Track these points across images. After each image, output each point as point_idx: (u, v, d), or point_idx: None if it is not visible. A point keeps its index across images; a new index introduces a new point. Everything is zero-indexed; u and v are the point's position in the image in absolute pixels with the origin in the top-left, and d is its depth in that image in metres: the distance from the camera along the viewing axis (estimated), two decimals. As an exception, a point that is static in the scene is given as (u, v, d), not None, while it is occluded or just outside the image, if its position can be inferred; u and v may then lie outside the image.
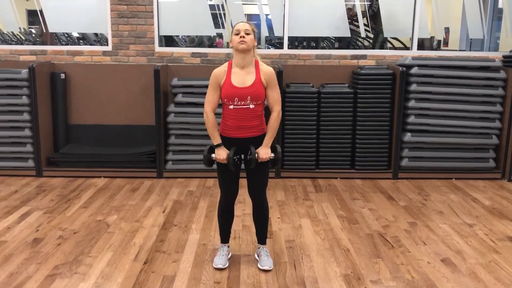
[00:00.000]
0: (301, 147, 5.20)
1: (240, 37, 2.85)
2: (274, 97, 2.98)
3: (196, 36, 6.70)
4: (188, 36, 6.89)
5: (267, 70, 2.95)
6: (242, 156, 3.02)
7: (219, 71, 2.95)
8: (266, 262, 3.12)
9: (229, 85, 2.90)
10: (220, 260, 3.13)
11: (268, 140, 2.99)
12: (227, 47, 6.36)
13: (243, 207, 4.25)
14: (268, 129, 3.00)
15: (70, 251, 3.35)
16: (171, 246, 3.46)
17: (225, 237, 3.25)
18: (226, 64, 2.98)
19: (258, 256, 3.21)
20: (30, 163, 5.16)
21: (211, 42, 6.82)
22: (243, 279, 3.00)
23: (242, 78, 2.90)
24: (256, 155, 2.94)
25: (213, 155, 3.01)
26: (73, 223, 3.86)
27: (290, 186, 4.95)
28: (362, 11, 6.08)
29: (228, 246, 3.27)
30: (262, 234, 3.22)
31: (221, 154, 2.96)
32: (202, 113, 5.19)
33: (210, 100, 3.00)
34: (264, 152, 2.96)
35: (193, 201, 4.46)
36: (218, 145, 2.98)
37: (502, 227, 3.91)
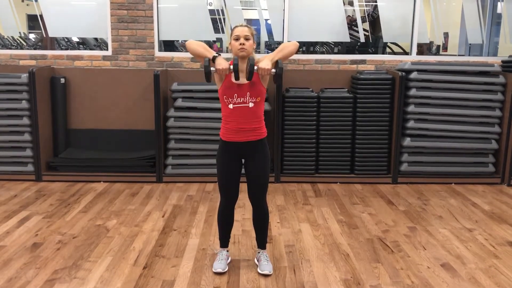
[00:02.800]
0: (300, 151, 5.20)
1: (240, 44, 2.86)
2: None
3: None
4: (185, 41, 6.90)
5: (258, 60, 2.91)
6: (243, 161, 3.02)
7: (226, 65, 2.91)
8: (266, 267, 3.11)
9: (228, 81, 2.91)
10: (220, 265, 3.13)
11: (273, 54, 2.89)
12: (227, 51, 6.38)
13: (243, 211, 4.24)
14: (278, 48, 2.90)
15: (69, 256, 3.34)
16: (170, 251, 3.45)
17: (224, 242, 3.24)
18: (229, 62, 2.97)
19: (257, 260, 3.21)
20: (30, 167, 5.16)
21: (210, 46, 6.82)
22: (242, 284, 2.99)
23: (241, 79, 2.90)
24: (256, 67, 2.82)
25: (212, 69, 2.85)
26: (72, 228, 3.86)
27: (289, 190, 4.95)
28: (361, 17, 6.10)
29: (228, 251, 3.27)
30: (262, 238, 3.21)
31: (222, 63, 2.84)
32: (201, 118, 5.18)
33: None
34: (265, 63, 2.83)
35: (193, 205, 4.46)
36: (215, 56, 2.86)
37: (501, 231, 3.91)
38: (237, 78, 2.85)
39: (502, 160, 5.23)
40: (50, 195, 4.69)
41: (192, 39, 2.98)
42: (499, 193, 4.97)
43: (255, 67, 2.82)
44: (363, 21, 6.20)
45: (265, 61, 2.85)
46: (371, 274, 3.14)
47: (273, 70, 2.87)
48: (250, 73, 2.79)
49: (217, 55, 2.88)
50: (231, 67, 2.84)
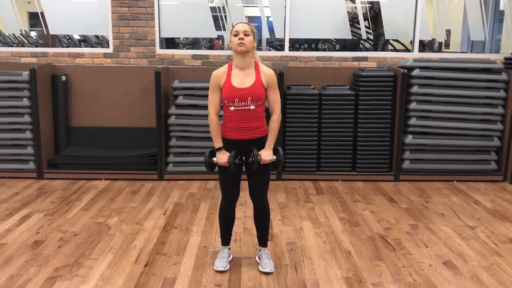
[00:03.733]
0: (302, 149, 5.19)
1: (239, 39, 2.85)
2: (275, 99, 2.98)
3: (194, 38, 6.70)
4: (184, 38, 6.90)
5: (267, 72, 2.95)
6: (244, 158, 3.01)
7: (219, 73, 2.95)
8: (267, 265, 3.10)
9: (229, 86, 2.90)
10: (221, 263, 3.12)
11: (270, 143, 2.99)
12: (228, 49, 6.36)
13: (244, 209, 4.24)
14: (269, 132, 3.00)
15: (71, 254, 3.34)
16: (171, 249, 3.45)
17: (226, 240, 3.24)
18: (226, 65, 2.97)
19: (259, 258, 3.20)
20: (31, 165, 5.16)
21: (211, 44, 6.81)
22: (244, 282, 2.98)
23: (242, 79, 2.90)
24: (258, 157, 2.93)
25: (214, 159, 3.01)
26: (73, 226, 3.86)
27: (291, 188, 4.94)
28: (363, 13, 6.08)
29: (229, 249, 3.26)
30: (263, 236, 3.20)
31: (222, 157, 2.95)
32: (203, 115, 5.19)
33: (212, 101, 2.99)
34: (266, 155, 2.95)
35: (194, 203, 4.45)
36: (219, 149, 2.98)
37: (504, 229, 3.89)
38: (234, 170, 2.96)
39: (504, 157, 5.21)
40: (51, 193, 4.69)
41: (209, 117, 3.01)
42: (501, 190, 4.95)
43: (258, 157, 2.95)
44: (365, 17, 6.17)
45: (266, 152, 2.96)
46: (372, 272, 3.13)
47: (274, 157, 3.00)
48: (255, 164, 2.93)
49: (220, 147, 2.98)
50: (228, 162, 2.94)
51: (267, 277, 3.04)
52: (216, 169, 3.07)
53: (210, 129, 3.01)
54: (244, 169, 3.05)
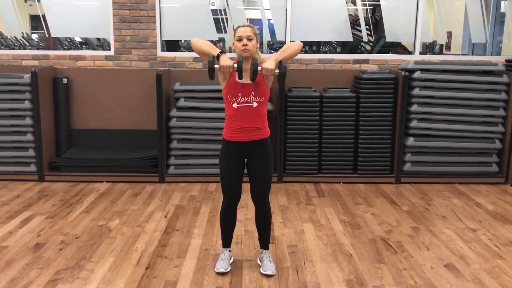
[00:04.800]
0: (303, 151, 5.19)
1: (243, 44, 2.85)
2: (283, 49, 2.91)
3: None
4: (185, 41, 6.90)
5: (263, 60, 2.92)
6: (245, 160, 3.01)
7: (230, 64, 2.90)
8: (269, 267, 3.10)
9: (233, 81, 2.90)
10: (222, 265, 3.12)
11: (277, 54, 2.88)
12: (230, 51, 6.37)
13: (246, 211, 4.23)
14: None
15: (72, 256, 3.34)
16: (173, 251, 3.45)
17: (227, 242, 3.23)
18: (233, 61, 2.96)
19: (260, 261, 3.20)
20: (32, 167, 5.16)
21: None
22: (245, 284, 2.98)
23: (245, 78, 2.90)
24: (260, 68, 2.82)
25: (216, 66, 2.85)
26: (75, 228, 3.86)
27: (292, 190, 4.94)
28: (364, 16, 6.08)
29: (230, 251, 3.26)
30: (264, 239, 3.20)
31: (226, 61, 2.83)
32: (204, 118, 5.16)
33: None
34: (268, 64, 2.82)
35: (195, 205, 4.45)
36: (220, 55, 2.85)
37: (505, 232, 3.89)
38: (240, 76, 2.83)
39: (506, 159, 5.20)
40: (52, 195, 4.69)
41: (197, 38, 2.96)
42: (503, 193, 4.94)
43: (259, 68, 2.82)
44: (366, 21, 6.18)
45: (268, 62, 2.84)
46: (374, 274, 3.13)
47: (277, 70, 2.86)
48: (254, 73, 2.79)
49: (221, 53, 2.87)
50: (235, 65, 2.83)
51: (268, 279, 3.04)
52: (218, 171, 3.05)
53: (203, 42, 2.89)
54: (245, 171, 3.05)
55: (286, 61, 2.90)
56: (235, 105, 2.90)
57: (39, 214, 4.16)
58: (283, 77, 2.88)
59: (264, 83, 2.92)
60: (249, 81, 2.88)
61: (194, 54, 5.60)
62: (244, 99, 2.88)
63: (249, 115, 2.91)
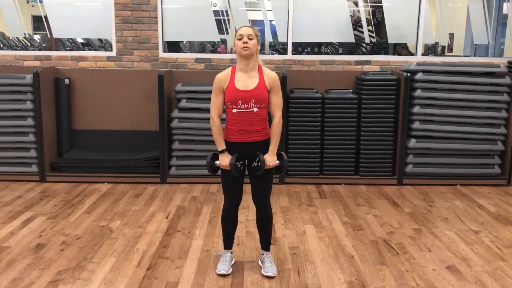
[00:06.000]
0: (305, 152, 5.18)
1: (243, 42, 2.85)
2: (277, 103, 2.98)
3: (199, 42, 6.72)
4: (187, 42, 6.92)
5: (271, 75, 2.95)
6: (246, 161, 3.01)
7: (222, 75, 2.96)
8: (270, 269, 3.09)
9: (232, 88, 2.90)
10: (224, 266, 3.11)
11: (273, 147, 2.99)
12: (231, 52, 6.37)
13: (247, 213, 4.23)
14: (272, 136, 2.99)
15: (73, 257, 3.34)
16: (174, 252, 3.44)
17: (228, 243, 3.23)
18: (229, 68, 2.98)
19: (261, 262, 3.19)
20: (34, 168, 5.16)
21: (215, 48, 6.82)
22: (246, 286, 2.97)
23: (246, 82, 2.90)
24: (264, 162, 2.94)
25: (216, 162, 3.01)
26: (76, 229, 3.86)
27: (294, 192, 4.93)
28: (366, 18, 6.07)
29: (232, 252, 3.25)
30: (266, 240, 3.20)
31: (225, 160, 2.95)
32: (205, 119, 5.19)
33: (215, 104, 2.99)
34: (270, 160, 2.96)
35: (197, 206, 4.45)
36: (222, 151, 2.98)
37: (508, 234, 3.87)
38: (235, 174, 2.95)
39: (508, 161, 5.19)
40: (54, 196, 4.69)
41: (211, 119, 3.01)
42: (505, 194, 4.93)
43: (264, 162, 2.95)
44: (368, 22, 6.17)
45: (270, 157, 2.96)
46: (376, 276, 3.12)
47: (277, 162, 3.01)
48: (261, 169, 2.93)
49: (222, 150, 2.98)
50: (231, 166, 2.93)
51: (269, 281, 3.03)
52: (219, 172, 3.06)
53: (213, 132, 3.01)
54: (247, 172, 3.05)
55: None
56: (235, 110, 2.91)
57: (40, 215, 4.16)
58: (284, 169, 3.06)
59: (265, 90, 2.92)
60: (250, 88, 2.89)
61: (196, 55, 5.61)
62: (244, 106, 2.89)
63: (249, 119, 2.92)
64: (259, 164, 2.92)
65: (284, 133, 5.13)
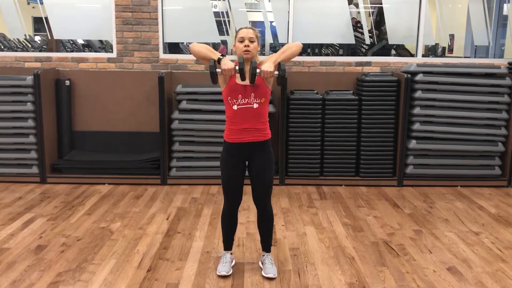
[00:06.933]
0: (305, 154, 5.18)
1: (245, 45, 2.85)
2: (281, 50, 2.89)
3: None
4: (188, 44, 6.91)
5: (263, 61, 2.92)
6: (247, 162, 3.00)
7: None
8: (271, 270, 3.09)
9: (233, 83, 2.90)
10: (224, 268, 3.11)
11: (276, 55, 2.86)
12: (232, 53, 6.37)
13: (247, 214, 4.23)
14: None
15: (74, 258, 3.34)
16: (174, 254, 3.44)
17: (228, 244, 3.23)
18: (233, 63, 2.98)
19: (262, 263, 3.19)
20: (34, 169, 5.16)
21: (216, 49, 6.82)
22: (247, 287, 2.97)
23: (246, 80, 2.90)
24: (258, 70, 2.80)
25: (218, 70, 2.85)
26: (76, 230, 3.86)
27: (294, 193, 4.93)
28: (366, 19, 6.07)
29: (232, 254, 3.25)
30: (266, 241, 3.19)
31: (228, 64, 2.83)
32: (206, 120, 5.17)
33: (206, 46, 2.91)
34: (267, 66, 2.81)
35: (197, 208, 4.44)
36: (220, 58, 2.85)
37: (508, 235, 3.87)
38: (243, 78, 2.84)
39: (508, 162, 5.18)
40: (54, 197, 4.69)
41: (196, 42, 2.96)
42: (506, 196, 4.93)
43: (258, 70, 2.81)
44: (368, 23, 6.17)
45: (267, 64, 2.84)
46: (376, 277, 3.11)
47: (276, 72, 2.86)
48: (253, 76, 2.79)
49: (222, 56, 2.87)
50: (237, 67, 2.82)
51: (270, 282, 3.03)
52: (219, 172, 3.05)
53: (201, 47, 2.88)
54: (247, 173, 3.04)
55: (286, 62, 2.90)
56: (235, 107, 2.90)
57: (41, 216, 4.16)
58: (282, 79, 2.89)
59: (264, 84, 2.92)
60: (248, 83, 2.88)
61: (196, 57, 5.60)
62: (244, 101, 2.88)
63: (249, 116, 2.91)
64: (251, 71, 2.75)
65: (284, 134, 5.13)
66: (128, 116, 5.53)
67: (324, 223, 4.09)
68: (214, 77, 2.87)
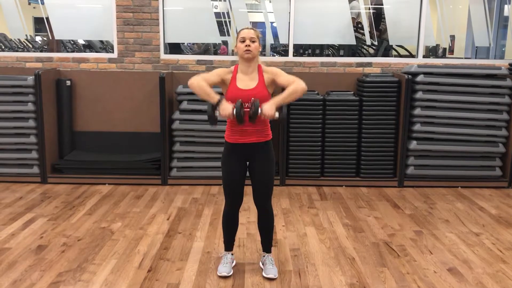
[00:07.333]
0: (306, 154, 5.19)
1: (246, 45, 2.86)
2: (289, 80, 2.90)
3: (202, 43, 6.72)
4: (194, 44, 6.92)
5: (268, 69, 2.96)
6: (247, 163, 3.01)
7: (228, 70, 2.96)
8: (271, 271, 3.09)
9: (234, 87, 2.91)
10: (224, 268, 3.11)
11: (278, 98, 2.85)
12: (232, 54, 6.37)
13: (248, 214, 4.23)
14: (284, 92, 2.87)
15: (74, 258, 3.34)
16: (175, 254, 3.44)
17: (229, 245, 3.23)
18: (232, 67, 2.99)
19: (262, 264, 3.19)
20: (35, 169, 5.17)
21: (216, 49, 6.83)
22: (247, 288, 2.98)
23: (247, 82, 2.92)
24: (260, 110, 2.79)
25: (217, 113, 2.84)
26: (77, 230, 3.86)
27: (295, 194, 4.93)
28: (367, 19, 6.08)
29: (232, 254, 3.25)
30: (267, 242, 3.20)
31: (226, 108, 2.80)
32: (207, 121, 5.16)
33: (207, 78, 2.90)
34: (268, 108, 2.80)
35: (198, 208, 4.45)
36: (219, 101, 2.84)
37: (509, 236, 3.87)
38: (240, 122, 2.82)
39: (509, 163, 5.18)
40: (55, 197, 4.69)
41: (195, 77, 2.91)
42: (506, 197, 4.93)
43: (259, 110, 2.79)
44: (369, 23, 6.18)
45: (269, 106, 2.80)
46: (377, 278, 3.11)
47: (277, 115, 2.84)
48: (254, 116, 2.79)
49: (220, 99, 2.84)
50: (235, 111, 2.79)
51: (270, 283, 3.03)
52: (220, 172, 3.06)
53: (200, 88, 2.85)
54: (248, 174, 3.05)
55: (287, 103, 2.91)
56: None
57: (41, 216, 4.16)
58: (282, 121, 2.88)
59: (265, 88, 2.93)
60: (250, 87, 2.90)
61: (197, 57, 5.61)
62: (246, 105, 2.89)
63: None
64: (253, 108, 2.75)
65: (285, 135, 5.13)
66: (129, 116, 5.53)
67: (325, 223, 4.09)
68: (212, 121, 2.89)
